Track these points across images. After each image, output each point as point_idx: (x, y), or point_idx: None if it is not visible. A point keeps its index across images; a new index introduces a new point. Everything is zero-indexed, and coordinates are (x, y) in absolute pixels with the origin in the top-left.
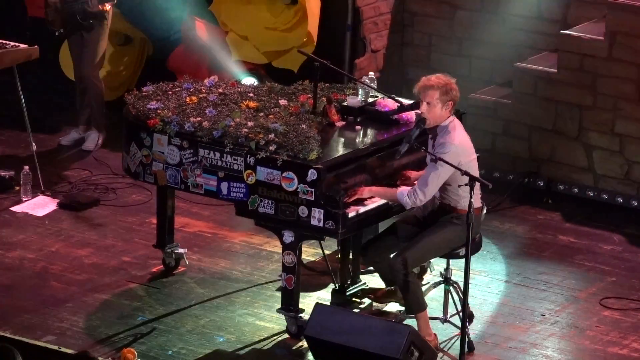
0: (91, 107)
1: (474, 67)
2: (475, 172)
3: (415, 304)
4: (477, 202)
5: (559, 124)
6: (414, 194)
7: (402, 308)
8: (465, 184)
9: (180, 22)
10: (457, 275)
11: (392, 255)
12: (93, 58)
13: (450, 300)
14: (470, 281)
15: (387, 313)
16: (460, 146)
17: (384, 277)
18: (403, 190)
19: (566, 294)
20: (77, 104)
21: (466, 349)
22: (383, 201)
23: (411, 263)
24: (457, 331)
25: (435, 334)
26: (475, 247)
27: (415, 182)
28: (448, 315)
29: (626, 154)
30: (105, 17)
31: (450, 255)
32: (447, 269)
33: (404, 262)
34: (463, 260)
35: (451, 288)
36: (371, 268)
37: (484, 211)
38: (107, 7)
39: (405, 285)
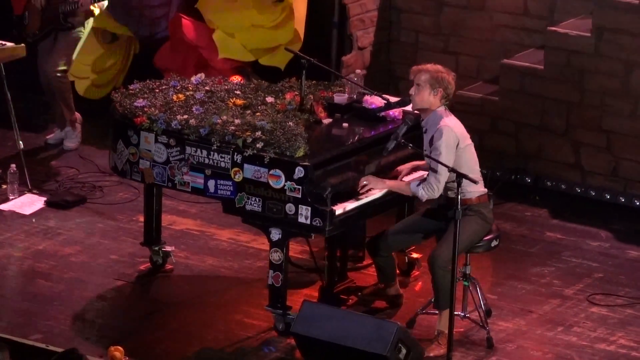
0: (59, 104)
1: (460, 63)
2: (472, 156)
3: (445, 300)
4: (481, 188)
5: (546, 121)
6: (428, 188)
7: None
8: (453, 181)
9: (166, 19)
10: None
11: (431, 253)
12: (59, 56)
13: (469, 296)
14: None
15: (375, 311)
16: (456, 129)
17: (383, 272)
18: (416, 181)
19: (553, 290)
20: (50, 104)
21: (486, 345)
22: (371, 198)
23: (446, 261)
24: (477, 327)
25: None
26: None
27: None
28: (467, 312)
29: (613, 151)
30: (84, 24)
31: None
32: (466, 265)
33: (443, 258)
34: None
35: (470, 284)
36: (359, 265)
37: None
38: (99, 5)
39: (444, 280)
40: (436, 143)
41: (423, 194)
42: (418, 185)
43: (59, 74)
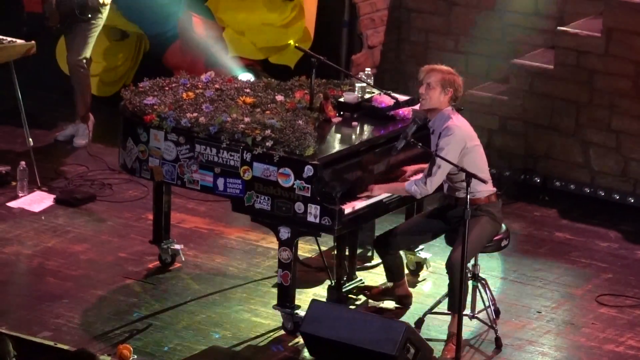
0: (76, 97)
1: (470, 63)
2: (481, 156)
3: (459, 303)
4: (490, 188)
5: (555, 121)
6: (421, 184)
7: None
8: (462, 180)
9: (176, 17)
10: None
11: (449, 256)
12: (80, 46)
13: (478, 296)
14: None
15: (383, 310)
16: (464, 129)
17: (390, 271)
18: (411, 181)
19: (562, 290)
20: (73, 98)
21: (495, 346)
22: (379, 197)
23: (462, 263)
24: (486, 327)
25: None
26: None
27: (413, 176)
28: (476, 312)
29: (622, 151)
30: (100, 10)
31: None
32: (475, 265)
33: (459, 262)
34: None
35: (479, 284)
36: (367, 264)
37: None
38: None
39: (460, 284)
40: (443, 140)
41: (416, 189)
42: (412, 183)
43: (80, 65)
